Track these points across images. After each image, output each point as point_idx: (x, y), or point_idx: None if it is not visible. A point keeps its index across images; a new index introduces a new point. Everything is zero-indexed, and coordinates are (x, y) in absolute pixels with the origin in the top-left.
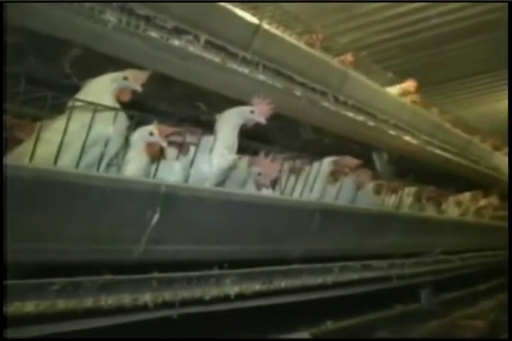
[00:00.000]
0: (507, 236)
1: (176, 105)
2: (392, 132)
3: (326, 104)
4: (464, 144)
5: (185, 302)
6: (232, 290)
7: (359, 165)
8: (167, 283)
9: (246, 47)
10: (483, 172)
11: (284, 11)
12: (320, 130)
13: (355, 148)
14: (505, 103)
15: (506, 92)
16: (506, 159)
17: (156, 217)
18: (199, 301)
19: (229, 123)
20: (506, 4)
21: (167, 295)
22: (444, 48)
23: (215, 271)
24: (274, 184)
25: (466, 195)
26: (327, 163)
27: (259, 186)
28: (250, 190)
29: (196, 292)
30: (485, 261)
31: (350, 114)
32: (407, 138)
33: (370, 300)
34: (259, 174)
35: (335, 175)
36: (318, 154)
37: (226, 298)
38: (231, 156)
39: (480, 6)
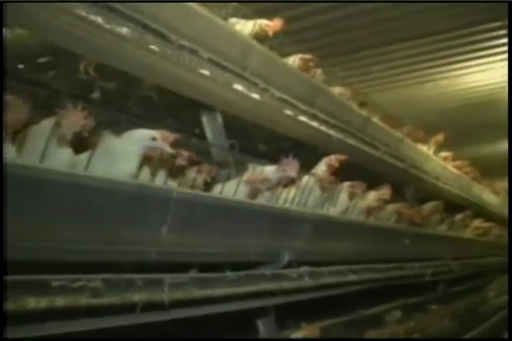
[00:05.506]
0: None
1: None
2: (215, 74)
3: None
4: (360, 122)
5: None
6: None
7: None
8: None
9: None
10: (383, 161)
11: None
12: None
13: (167, 100)
14: (430, 85)
15: (431, 72)
16: (420, 150)
17: None
18: None
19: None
20: None
21: None
22: None
23: None
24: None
25: (346, 185)
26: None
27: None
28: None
29: None
30: (373, 278)
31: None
32: (246, 91)
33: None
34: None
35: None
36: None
37: None
38: None
39: None
